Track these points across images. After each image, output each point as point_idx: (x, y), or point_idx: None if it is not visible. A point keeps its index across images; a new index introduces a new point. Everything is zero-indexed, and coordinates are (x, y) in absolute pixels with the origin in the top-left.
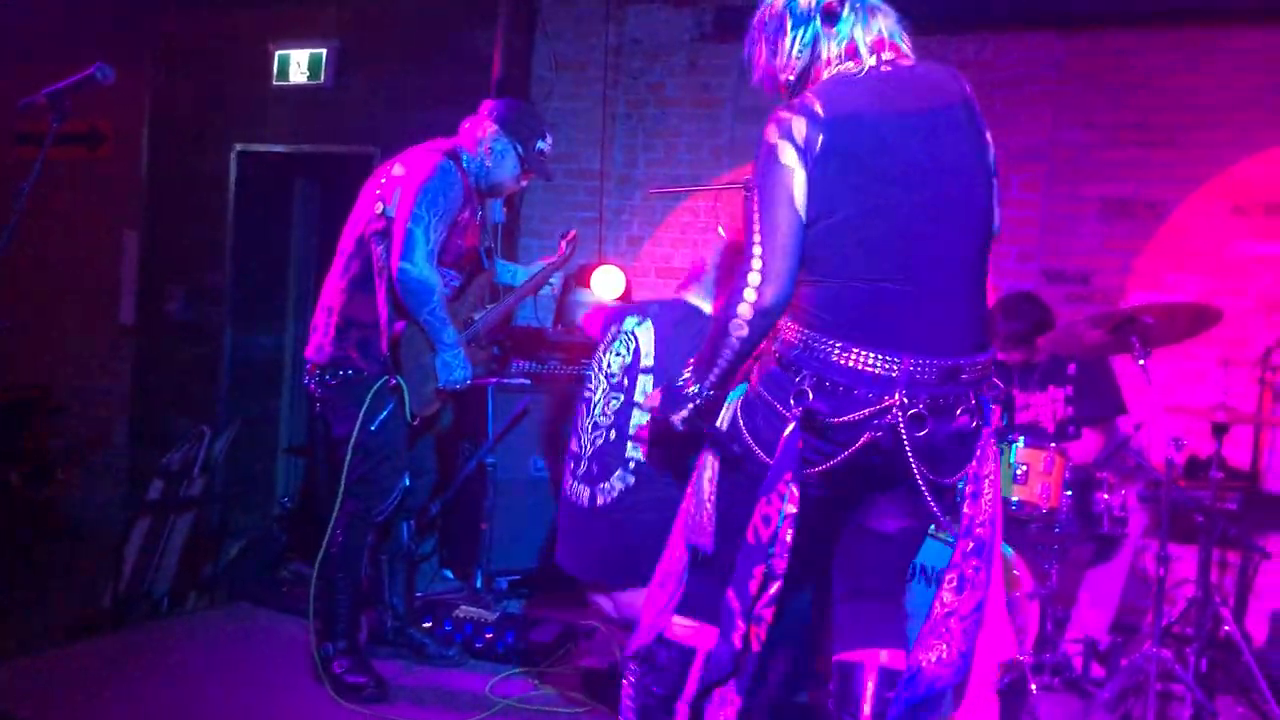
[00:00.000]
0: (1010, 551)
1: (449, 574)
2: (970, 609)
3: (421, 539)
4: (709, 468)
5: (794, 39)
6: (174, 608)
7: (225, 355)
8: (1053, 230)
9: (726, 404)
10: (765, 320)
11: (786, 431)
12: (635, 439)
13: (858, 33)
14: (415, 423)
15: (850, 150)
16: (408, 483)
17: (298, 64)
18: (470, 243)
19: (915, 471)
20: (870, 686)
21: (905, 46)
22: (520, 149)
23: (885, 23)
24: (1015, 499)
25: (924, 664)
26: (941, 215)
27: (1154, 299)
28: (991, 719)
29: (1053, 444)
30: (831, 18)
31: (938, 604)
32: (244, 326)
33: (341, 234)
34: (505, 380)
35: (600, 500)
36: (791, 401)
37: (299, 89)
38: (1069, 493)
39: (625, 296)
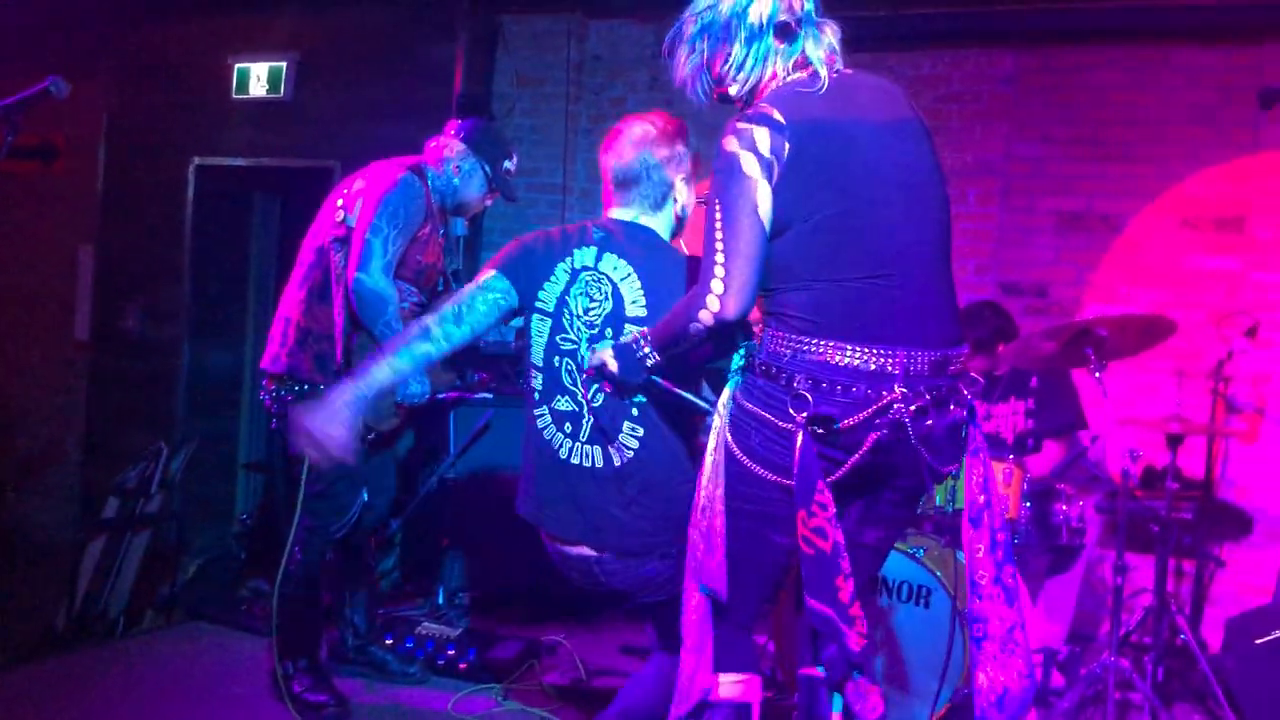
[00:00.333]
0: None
1: (411, 590)
2: (1023, 616)
3: (383, 555)
4: (714, 511)
5: (747, 52)
6: (130, 628)
7: (183, 371)
8: (1009, 243)
9: (711, 429)
10: (724, 329)
11: (799, 442)
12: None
13: (809, 47)
14: (371, 437)
15: (819, 153)
16: (366, 499)
17: (257, 77)
18: (431, 259)
19: (922, 462)
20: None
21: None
22: (488, 169)
23: (833, 37)
24: None
25: (1010, 684)
26: (912, 213)
27: (1109, 311)
28: None
29: (1011, 456)
30: (787, 35)
31: (996, 622)
32: (202, 342)
33: (302, 245)
34: (467, 395)
35: (619, 460)
36: (791, 410)
37: (258, 102)
38: (1028, 504)
39: None
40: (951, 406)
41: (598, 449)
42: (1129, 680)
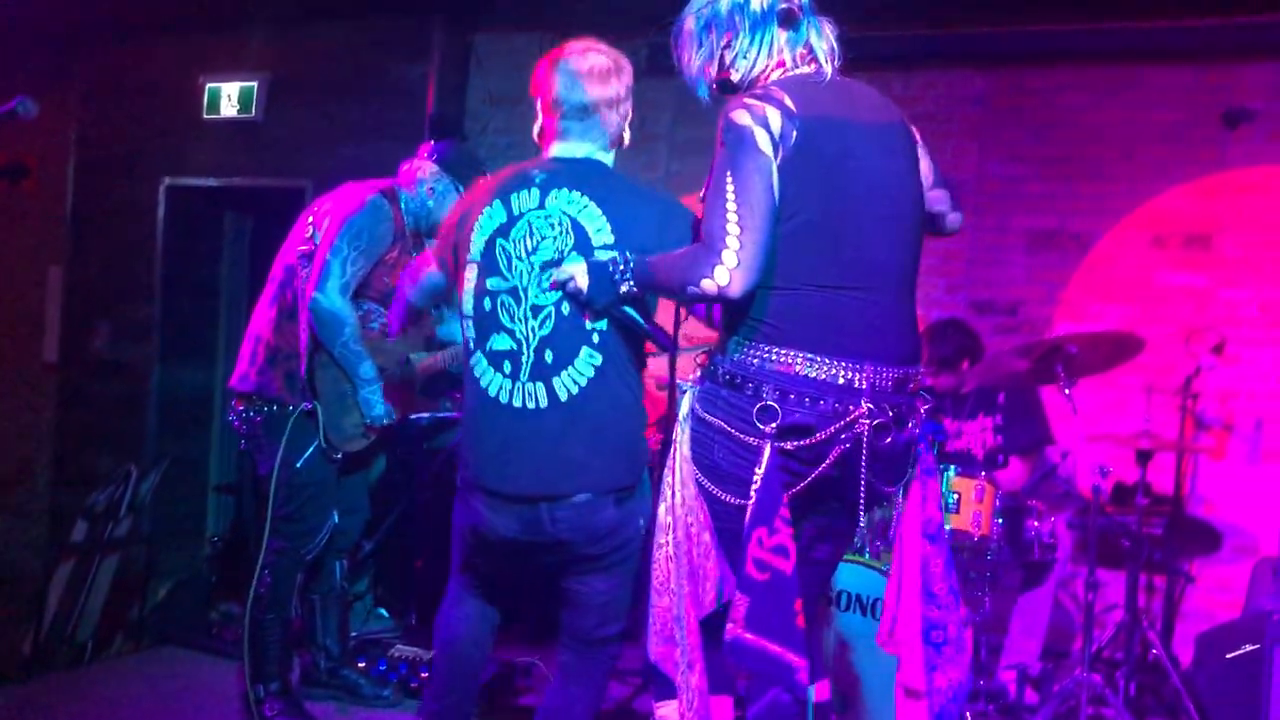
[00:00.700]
0: None
1: (383, 612)
2: (957, 630)
3: (355, 577)
4: (681, 529)
5: (751, 39)
6: (99, 652)
7: (153, 392)
8: (980, 262)
9: (673, 442)
10: (722, 303)
11: (765, 456)
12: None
13: (814, 38)
14: (338, 456)
15: (819, 151)
16: (337, 520)
17: (228, 97)
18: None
19: (863, 482)
20: None
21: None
22: (462, 190)
23: (832, 37)
24: (947, 527)
25: (962, 678)
26: (891, 227)
27: (1079, 329)
28: None
29: (982, 473)
30: (790, 22)
31: (953, 627)
32: (172, 363)
33: (274, 263)
34: (438, 415)
35: (565, 395)
36: (757, 422)
37: (229, 122)
38: (1000, 520)
39: None
40: (909, 424)
41: (540, 387)
42: (1102, 696)
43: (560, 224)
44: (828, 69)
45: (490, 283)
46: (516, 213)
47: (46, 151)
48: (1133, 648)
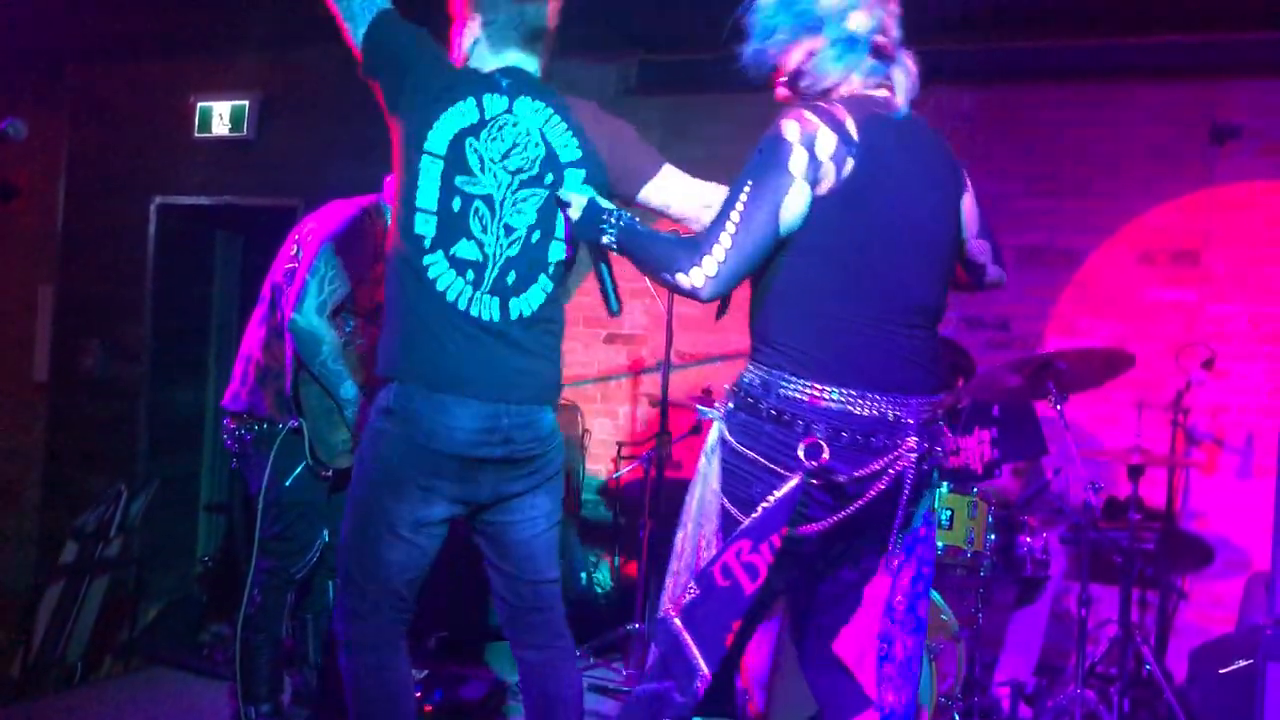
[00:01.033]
0: (937, 596)
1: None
2: (921, 649)
3: None
4: (698, 554)
5: (836, 55)
6: (89, 674)
7: (143, 412)
8: None
9: (700, 474)
10: (691, 299)
11: (791, 484)
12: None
13: (898, 74)
14: (328, 474)
15: (872, 183)
16: (327, 538)
17: (220, 115)
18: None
19: (901, 510)
20: None
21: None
22: None
23: (915, 74)
24: (941, 543)
25: (898, 707)
26: (929, 266)
27: (1070, 344)
28: None
29: (975, 488)
30: (881, 55)
31: (900, 648)
32: (163, 382)
33: (263, 283)
34: None
35: (516, 314)
36: (801, 456)
37: (221, 140)
38: (993, 536)
39: None
40: (939, 451)
41: (496, 302)
42: (1095, 712)
43: (530, 134)
44: (901, 103)
45: (460, 181)
46: (488, 115)
47: (37, 171)
48: (1126, 663)
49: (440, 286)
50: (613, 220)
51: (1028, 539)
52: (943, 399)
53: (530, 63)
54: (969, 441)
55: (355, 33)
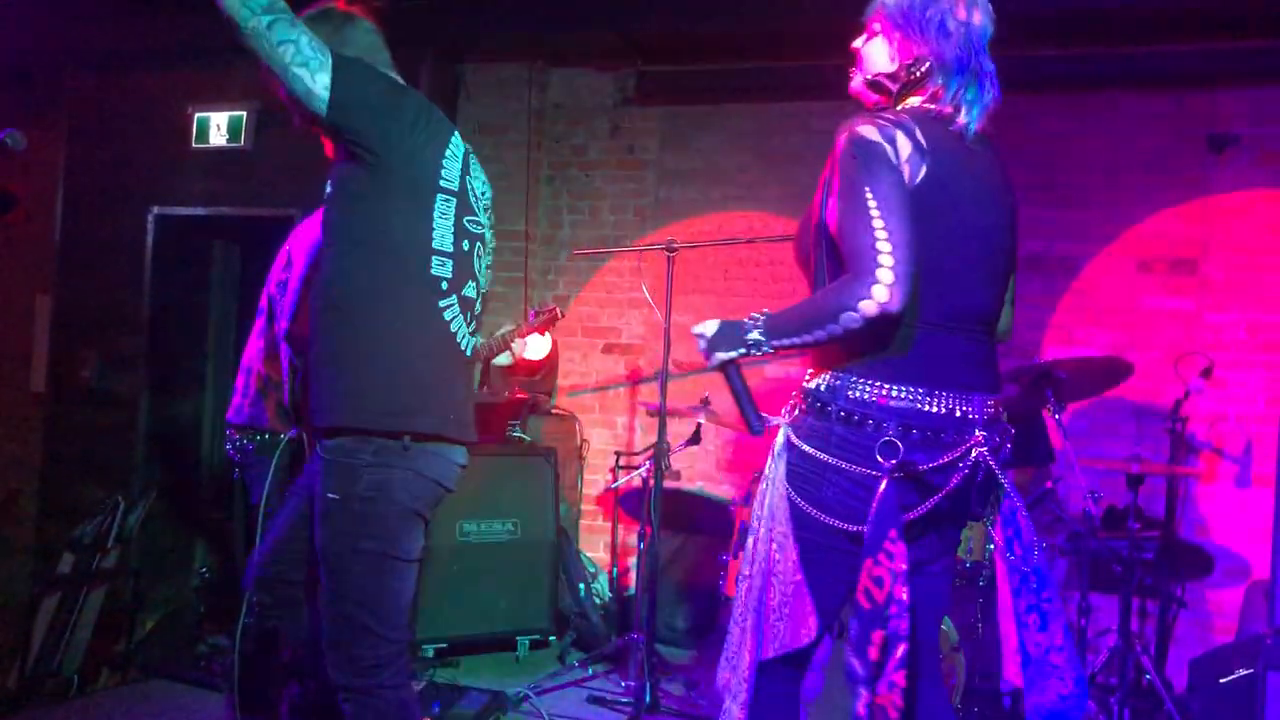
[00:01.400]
0: None
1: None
2: (1063, 638)
3: None
4: (768, 563)
5: (957, 69)
6: (86, 686)
7: (141, 423)
8: None
9: (765, 478)
10: (882, 324)
11: (881, 487)
12: None
13: (982, 94)
14: None
15: (940, 192)
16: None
17: (217, 126)
18: None
19: (973, 503)
20: None
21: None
22: None
23: (993, 101)
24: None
25: (1049, 703)
26: (988, 275)
27: (1068, 353)
28: None
29: None
30: (980, 81)
31: (1032, 646)
32: (161, 393)
33: (261, 294)
34: None
35: (471, 352)
36: (879, 457)
37: (218, 151)
38: (991, 546)
39: (551, 357)
40: (1003, 448)
41: (473, 341)
42: None
43: (481, 183)
44: (970, 124)
45: (468, 223)
46: (465, 149)
47: (35, 181)
48: (1126, 673)
49: (454, 329)
50: (750, 321)
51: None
52: (997, 399)
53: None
54: None
55: (313, 79)
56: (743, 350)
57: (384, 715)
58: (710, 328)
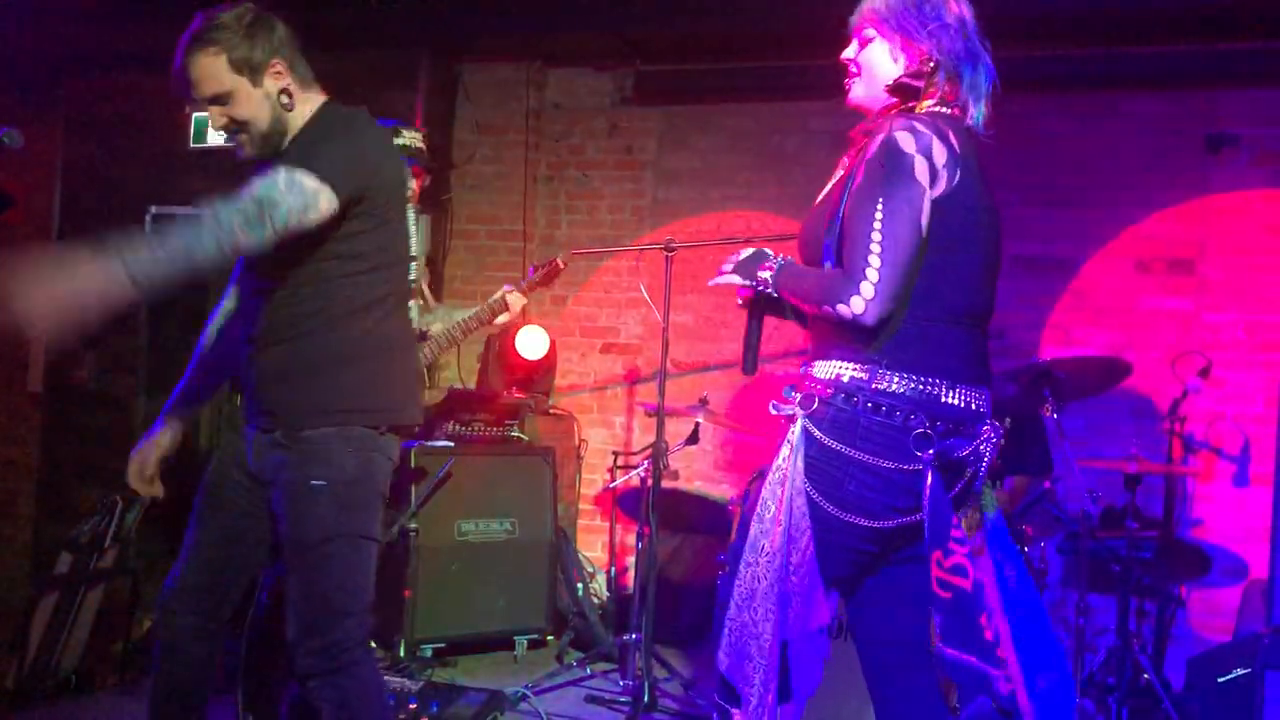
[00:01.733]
0: None
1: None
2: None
3: None
4: (780, 558)
5: (969, 64)
6: (83, 686)
7: (138, 422)
8: None
9: (778, 471)
10: (856, 331)
11: (929, 481)
12: None
13: (973, 92)
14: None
15: (967, 193)
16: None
17: None
18: None
19: (978, 494)
20: None
21: None
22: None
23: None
24: None
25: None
26: (992, 274)
27: (1066, 353)
28: None
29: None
30: (987, 75)
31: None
32: (158, 393)
33: None
34: (427, 443)
35: None
36: (915, 450)
37: (216, 151)
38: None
39: (550, 357)
40: (1000, 441)
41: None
42: None
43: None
44: (978, 117)
45: (411, 217)
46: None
47: (32, 180)
48: (1124, 672)
49: (413, 317)
50: (771, 261)
51: (1025, 548)
52: (989, 392)
53: None
54: None
55: (318, 210)
56: (752, 283)
57: (366, 688)
58: (745, 252)
